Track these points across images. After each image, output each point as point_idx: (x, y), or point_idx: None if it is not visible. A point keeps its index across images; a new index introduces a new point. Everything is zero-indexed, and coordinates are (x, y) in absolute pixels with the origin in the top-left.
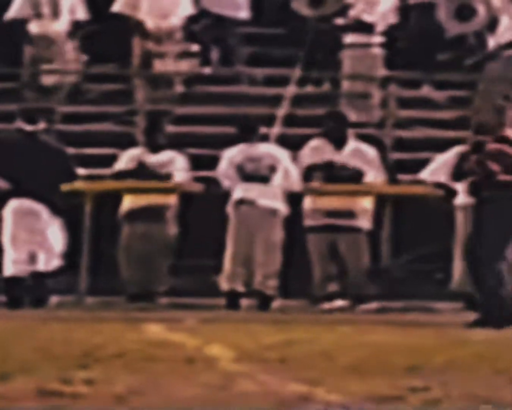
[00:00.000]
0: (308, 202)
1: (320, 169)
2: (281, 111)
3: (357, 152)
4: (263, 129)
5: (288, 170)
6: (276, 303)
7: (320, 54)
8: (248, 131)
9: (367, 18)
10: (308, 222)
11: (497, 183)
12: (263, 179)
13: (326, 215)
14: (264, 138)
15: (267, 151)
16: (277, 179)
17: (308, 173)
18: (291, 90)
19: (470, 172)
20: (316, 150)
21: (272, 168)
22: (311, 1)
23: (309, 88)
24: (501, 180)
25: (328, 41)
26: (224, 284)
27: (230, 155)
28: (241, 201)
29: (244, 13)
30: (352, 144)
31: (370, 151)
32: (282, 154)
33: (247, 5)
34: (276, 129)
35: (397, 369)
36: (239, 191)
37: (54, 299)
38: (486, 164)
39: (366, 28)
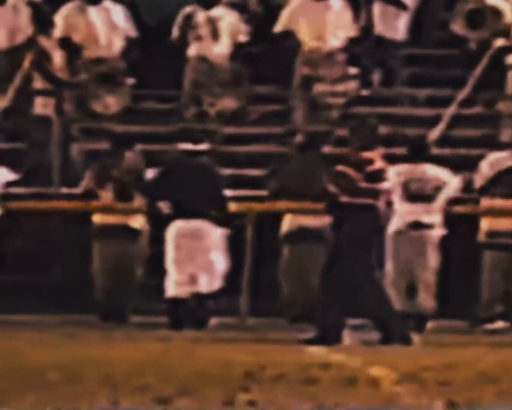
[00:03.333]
0: (485, 221)
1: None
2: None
3: None
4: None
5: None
6: (432, 324)
7: (483, 75)
8: (416, 152)
9: None
10: (483, 240)
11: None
12: (427, 198)
13: (503, 234)
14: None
15: (431, 172)
16: (442, 198)
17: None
18: (452, 111)
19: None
20: (496, 162)
21: (437, 189)
22: (470, 22)
23: (475, 109)
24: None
25: (490, 61)
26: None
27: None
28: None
29: (404, 35)
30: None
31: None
32: (445, 175)
33: (407, 27)
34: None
35: None
36: (406, 214)
37: (214, 321)
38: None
39: None
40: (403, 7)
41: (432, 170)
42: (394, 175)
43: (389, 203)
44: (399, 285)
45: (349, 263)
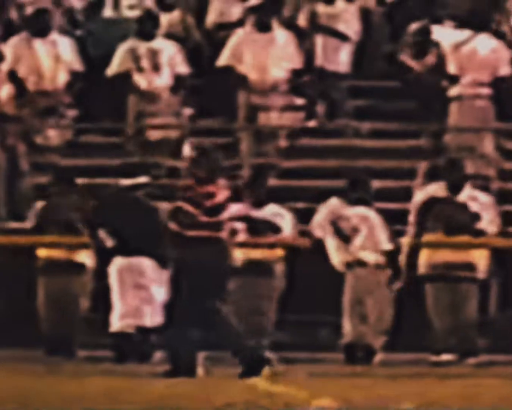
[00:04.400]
0: (424, 254)
1: (438, 210)
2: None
3: (473, 198)
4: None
5: (377, 231)
6: (380, 357)
7: (427, 106)
8: (357, 185)
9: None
10: (423, 273)
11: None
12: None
13: (442, 266)
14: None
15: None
16: (361, 239)
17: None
18: (395, 143)
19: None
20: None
21: (356, 230)
22: (416, 52)
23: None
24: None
25: (434, 93)
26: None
27: (329, 207)
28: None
29: (348, 67)
30: (468, 191)
31: (486, 198)
32: (371, 215)
33: (350, 59)
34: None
35: None
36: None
37: (158, 354)
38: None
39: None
40: (345, 39)
41: (356, 209)
42: (324, 211)
43: (233, 233)
44: (350, 317)
45: (196, 295)
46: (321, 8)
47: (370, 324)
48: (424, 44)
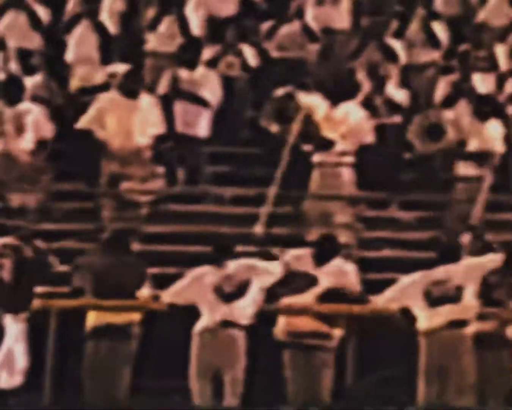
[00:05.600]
0: (282, 321)
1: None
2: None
3: (337, 269)
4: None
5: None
6: None
7: (290, 172)
8: (221, 250)
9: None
10: (281, 339)
11: None
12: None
13: (298, 334)
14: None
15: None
16: (251, 296)
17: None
18: (265, 209)
19: None
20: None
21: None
22: (278, 117)
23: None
24: None
25: (298, 159)
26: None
27: (197, 275)
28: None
29: (207, 132)
30: (337, 262)
31: (351, 269)
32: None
33: (210, 124)
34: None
35: None
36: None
37: None
38: None
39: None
40: (206, 104)
41: (237, 266)
42: (195, 276)
43: None
44: (203, 382)
45: None
46: (183, 74)
47: (225, 386)
48: (288, 109)
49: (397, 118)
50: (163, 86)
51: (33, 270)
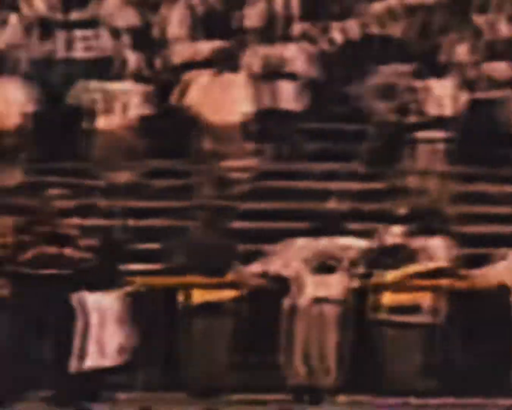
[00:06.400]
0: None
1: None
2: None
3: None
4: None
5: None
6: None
7: (383, 148)
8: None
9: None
10: (376, 317)
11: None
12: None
13: (395, 310)
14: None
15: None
16: (343, 272)
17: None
18: (354, 185)
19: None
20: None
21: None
22: (383, 94)
23: (374, 184)
24: None
25: (393, 135)
26: (292, 379)
27: (297, 247)
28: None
29: (300, 107)
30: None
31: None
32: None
33: (306, 98)
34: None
35: None
36: (310, 288)
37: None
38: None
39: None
40: (297, 79)
41: (337, 242)
42: (297, 249)
43: None
44: (296, 358)
45: None
46: (276, 50)
47: (318, 364)
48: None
49: (494, 93)
50: (257, 63)
51: (121, 249)
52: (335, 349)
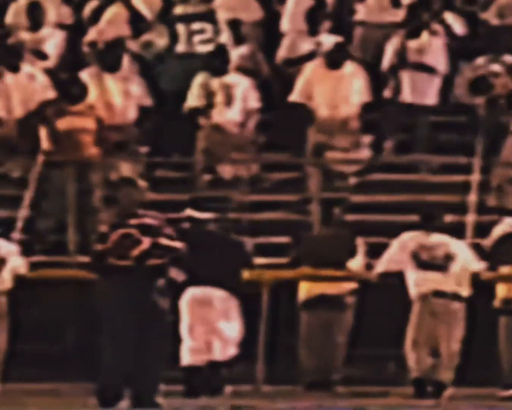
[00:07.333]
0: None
1: None
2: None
3: None
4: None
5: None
6: (450, 392)
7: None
8: (430, 220)
9: None
10: (499, 307)
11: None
12: (440, 268)
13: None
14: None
15: (441, 240)
16: (456, 267)
17: None
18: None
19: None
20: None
21: (448, 257)
22: (472, 88)
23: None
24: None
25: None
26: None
27: (403, 241)
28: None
29: (431, 100)
30: None
31: None
32: (457, 244)
33: (435, 92)
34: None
35: None
36: (421, 282)
37: (229, 388)
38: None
39: None
40: (433, 72)
41: (439, 238)
42: (401, 243)
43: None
44: (419, 352)
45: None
46: (410, 43)
47: (441, 358)
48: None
49: None
50: (389, 56)
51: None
52: (459, 343)
